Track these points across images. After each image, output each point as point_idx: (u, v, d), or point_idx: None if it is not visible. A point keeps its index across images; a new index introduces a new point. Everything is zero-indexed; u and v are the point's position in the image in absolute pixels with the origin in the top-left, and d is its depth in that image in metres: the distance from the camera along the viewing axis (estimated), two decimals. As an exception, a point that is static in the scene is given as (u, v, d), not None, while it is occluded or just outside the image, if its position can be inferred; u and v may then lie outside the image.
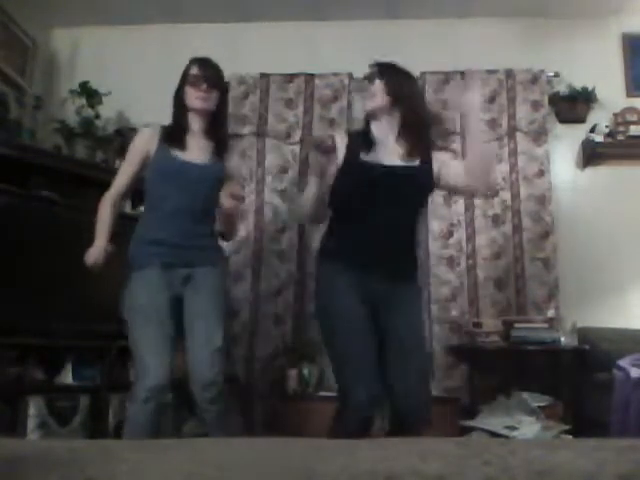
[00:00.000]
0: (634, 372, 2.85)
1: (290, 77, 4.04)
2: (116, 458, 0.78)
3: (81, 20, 4.15)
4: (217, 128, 2.46)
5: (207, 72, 2.41)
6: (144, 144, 2.40)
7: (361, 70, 4.08)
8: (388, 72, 2.26)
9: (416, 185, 2.17)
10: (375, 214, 2.11)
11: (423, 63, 3.98)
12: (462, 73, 3.94)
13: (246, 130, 4.00)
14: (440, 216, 3.82)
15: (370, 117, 2.25)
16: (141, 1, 3.99)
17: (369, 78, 2.27)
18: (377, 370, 2.03)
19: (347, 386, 2.02)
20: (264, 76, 4.06)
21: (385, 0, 3.98)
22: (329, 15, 4.09)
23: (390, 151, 2.17)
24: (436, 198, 3.82)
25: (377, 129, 2.22)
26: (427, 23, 4.08)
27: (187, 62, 2.45)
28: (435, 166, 2.21)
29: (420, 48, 4.03)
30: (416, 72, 3.97)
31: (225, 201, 2.27)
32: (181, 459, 0.81)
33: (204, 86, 2.38)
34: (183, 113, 2.43)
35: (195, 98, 2.38)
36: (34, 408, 2.94)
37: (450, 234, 3.80)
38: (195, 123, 2.43)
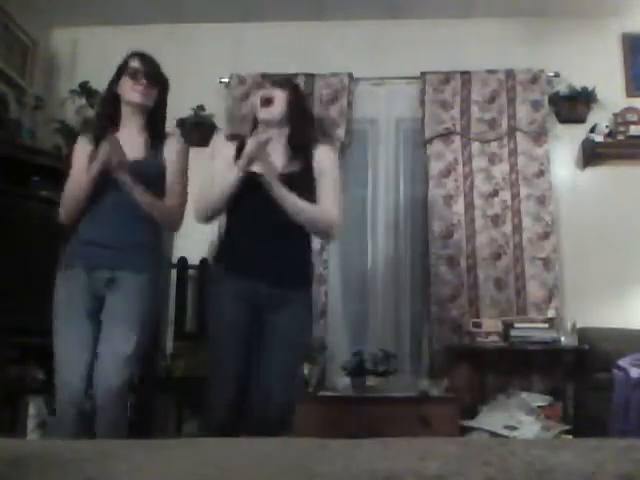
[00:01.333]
0: (634, 372, 2.85)
1: (290, 77, 4.03)
2: (116, 458, 0.78)
3: (81, 20, 4.15)
4: (155, 125, 2.36)
5: (148, 67, 2.33)
6: (80, 155, 2.30)
7: (361, 70, 4.13)
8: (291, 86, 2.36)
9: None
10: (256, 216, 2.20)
11: (423, 63, 3.98)
12: (462, 73, 3.97)
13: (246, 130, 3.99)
14: (440, 216, 3.82)
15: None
16: (141, 1, 3.99)
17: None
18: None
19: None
20: (264, 76, 4.05)
21: (385, 0, 3.98)
22: (329, 15, 4.09)
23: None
24: (436, 198, 3.83)
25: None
26: (427, 23, 4.08)
27: (125, 59, 2.36)
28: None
29: (420, 48, 4.03)
30: (416, 72, 4.04)
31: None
32: (181, 459, 0.81)
33: (144, 81, 2.29)
34: (116, 106, 2.32)
35: (133, 91, 2.28)
36: (34, 408, 2.94)
37: (450, 234, 3.80)
38: (129, 118, 2.32)
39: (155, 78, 2.33)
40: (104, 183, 2.20)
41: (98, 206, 2.24)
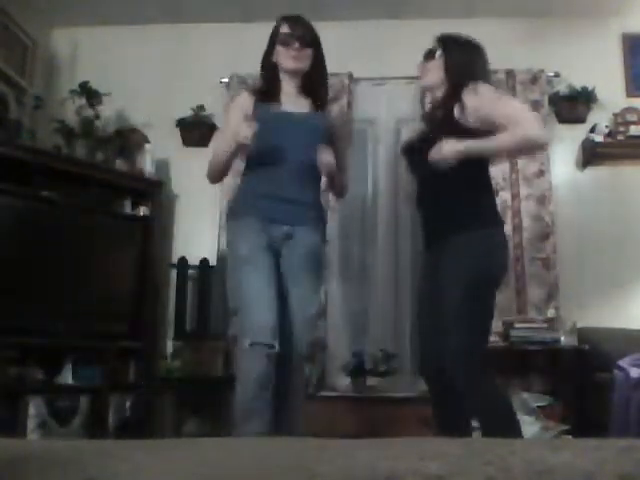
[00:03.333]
0: (634, 372, 2.85)
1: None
2: (116, 458, 0.78)
3: (81, 20, 4.15)
4: (315, 87, 2.35)
5: (298, 30, 2.29)
6: (239, 109, 2.30)
7: (361, 70, 4.12)
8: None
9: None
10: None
11: (423, 63, 3.98)
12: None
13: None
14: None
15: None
16: (141, 1, 3.99)
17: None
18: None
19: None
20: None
21: (385, 0, 3.98)
22: (329, 15, 4.08)
23: None
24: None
25: None
26: (427, 23, 4.07)
27: (276, 25, 2.34)
28: None
29: (420, 48, 4.00)
30: (416, 72, 4.02)
31: (322, 158, 2.22)
32: (181, 459, 0.81)
33: (296, 45, 2.27)
34: (274, 75, 2.32)
35: (287, 58, 2.27)
36: (34, 408, 2.94)
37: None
38: (288, 85, 2.32)
39: (308, 39, 2.30)
40: (268, 137, 2.19)
41: (264, 160, 2.22)
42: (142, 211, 3.72)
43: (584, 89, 3.89)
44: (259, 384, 2.02)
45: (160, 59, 4.15)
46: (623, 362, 2.95)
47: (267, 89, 2.33)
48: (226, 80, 4.03)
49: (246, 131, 2.10)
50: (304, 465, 0.72)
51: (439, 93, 2.25)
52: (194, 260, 3.77)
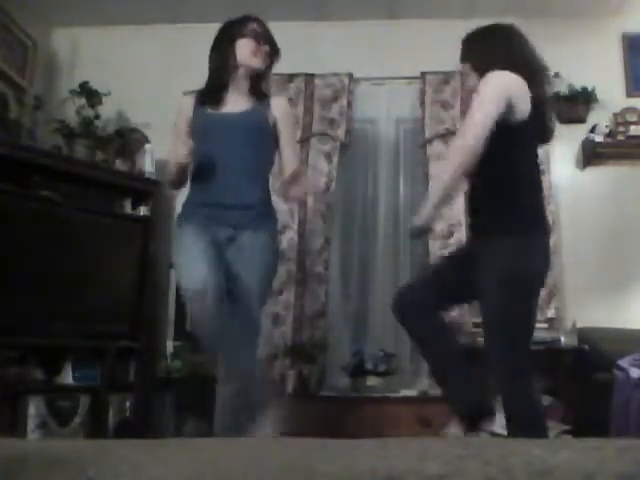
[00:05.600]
0: (634, 372, 2.85)
1: (290, 77, 4.03)
2: (116, 458, 0.78)
3: (81, 20, 4.15)
4: (258, 86, 2.34)
5: (266, 31, 2.30)
6: (184, 114, 2.32)
7: (361, 70, 4.12)
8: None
9: None
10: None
11: (423, 63, 3.98)
12: (462, 73, 3.96)
13: (246, 130, 4.00)
14: (440, 216, 3.81)
15: None
16: (141, 1, 3.99)
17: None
18: None
19: None
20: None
21: (385, 0, 3.98)
22: (329, 15, 4.09)
23: None
24: (436, 198, 3.82)
25: None
26: (427, 23, 4.08)
27: (238, 22, 2.31)
28: None
29: (420, 48, 4.03)
30: (416, 72, 4.03)
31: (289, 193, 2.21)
32: (181, 459, 0.81)
33: (266, 46, 2.27)
34: (228, 70, 2.29)
35: (253, 54, 2.25)
36: (34, 408, 2.94)
37: (450, 234, 3.80)
38: (239, 81, 2.30)
39: (274, 43, 2.32)
40: (208, 141, 2.21)
41: (206, 165, 2.21)
42: (142, 211, 3.72)
43: (584, 89, 3.89)
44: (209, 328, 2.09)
45: (160, 59, 4.15)
46: (623, 362, 2.95)
47: (211, 90, 2.31)
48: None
49: (181, 150, 2.11)
50: (304, 465, 0.72)
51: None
52: (194, 260, 3.76)
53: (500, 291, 2.02)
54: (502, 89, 2.06)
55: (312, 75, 4.04)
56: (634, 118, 3.80)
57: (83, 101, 3.83)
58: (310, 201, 3.80)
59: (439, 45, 4.03)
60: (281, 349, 3.69)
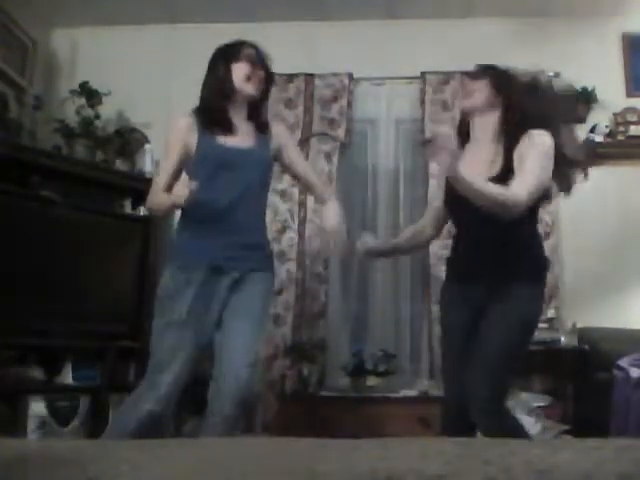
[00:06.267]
0: (634, 372, 2.85)
1: (290, 77, 4.03)
2: (117, 458, 0.78)
3: (81, 20, 4.15)
4: (258, 113, 2.26)
5: (262, 56, 2.22)
6: (181, 136, 2.17)
7: (361, 70, 4.12)
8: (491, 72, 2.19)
9: None
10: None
11: (423, 63, 3.98)
12: (462, 73, 3.96)
13: (246, 130, 4.00)
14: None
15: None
16: (141, 1, 3.99)
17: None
18: None
19: None
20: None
21: (385, 0, 3.98)
22: (329, 15, 4.09)
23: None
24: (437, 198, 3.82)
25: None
26: (427, 23, 4.08)
27: (233, 45, 2.24)
28: None
29: (420, 48, 4.03)
30: (416, 72, 4.03)
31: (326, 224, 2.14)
32: (181, 459, 0.81)
33: (262, 72, 2.20)
34: (224, 95, 2.18)
35: (246, 79, 2.16)
36: (34, 408, 2.94)
37: (450, 234, 3.79)
38: (238, 108, 2.21)
39: (268, 69, 2.25)
40: (216, 174, 2.10)
41: (211, 199, 2.07)
42: (142, 211, 3.72)
43: (584, 89, 3.88)
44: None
45: (160, 59, 4.15)
46: (623, 362, 2.95)
47: (214, 115, 2.17)
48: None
49: (182, 192, 1.99)
50: (304, 465, 0.72)
51: (479, 116, 2.16)
52: (194, 260, 3.76)
53: (513, 331, 2.08)
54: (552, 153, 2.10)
55: (312, 75, 4.04)
56: (634, 118, 3.80)
57: (83, 101, 3.83)
58: (310, 201, 3.79)
59: (439, 45, 4.05)
60: (281, 349, 3.70)
